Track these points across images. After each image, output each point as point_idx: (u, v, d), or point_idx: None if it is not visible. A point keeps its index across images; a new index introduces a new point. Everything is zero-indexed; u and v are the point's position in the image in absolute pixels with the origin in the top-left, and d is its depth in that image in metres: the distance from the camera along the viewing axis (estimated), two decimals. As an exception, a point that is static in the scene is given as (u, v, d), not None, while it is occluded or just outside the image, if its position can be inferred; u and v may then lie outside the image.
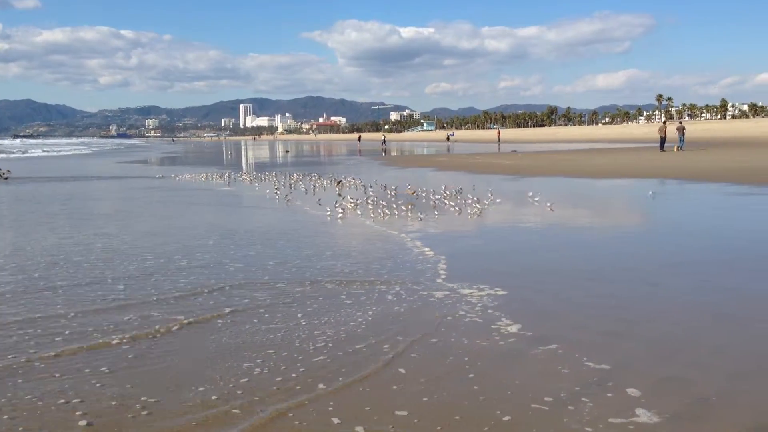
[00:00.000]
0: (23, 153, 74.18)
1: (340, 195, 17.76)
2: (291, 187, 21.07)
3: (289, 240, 11.12)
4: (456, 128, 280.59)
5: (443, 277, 8.10)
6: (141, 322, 6.35)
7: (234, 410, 4.37)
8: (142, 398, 4.56)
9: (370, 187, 20.10)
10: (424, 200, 16.38)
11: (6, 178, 27.46)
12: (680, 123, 44.94)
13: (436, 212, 14.17)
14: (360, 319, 6.37)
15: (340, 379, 4.89)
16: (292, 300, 7.10)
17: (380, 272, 8.40)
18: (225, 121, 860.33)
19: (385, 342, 5.71)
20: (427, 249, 9.94)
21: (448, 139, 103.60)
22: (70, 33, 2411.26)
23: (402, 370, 5.05)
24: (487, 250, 10.18)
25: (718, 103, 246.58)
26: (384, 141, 71.03)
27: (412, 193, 17.51)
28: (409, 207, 14.73)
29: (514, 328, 6.03)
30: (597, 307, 6.76)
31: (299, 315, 6.54)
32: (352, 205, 15.01)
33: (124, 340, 5.80)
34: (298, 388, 4.73)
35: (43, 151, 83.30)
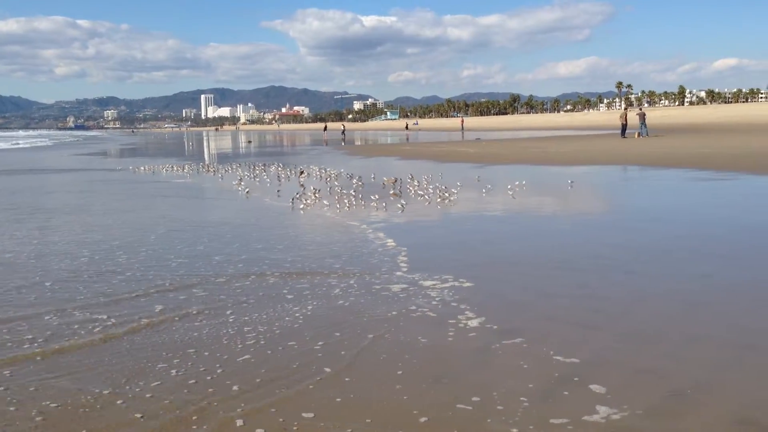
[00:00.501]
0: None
1: (302, 186, 17.38)
2: (254, 179, 20.61)
3: (241, 233, 10.76)
4: (420, 117, 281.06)
5: (404, 269, 7.82)
6: (60, 323, 5.98)
7: (136, 414, 4.09)
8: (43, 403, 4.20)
9: (334, 177, 19.75)
10: (392, 189, 16.09)
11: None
12: (641, 110, 45.39)
13: (402, 201, 13.88)
14: (298, 315, 6.11)
15: (257, 380, 4.61)
16: (227, 297, 6.78)
17: (333, 265, 8.11)
18: (186, 112, 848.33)
19: (319, 339, 5.44)
20: (389, 240, 9.65)
21: (407, 127, 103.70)
22: (25, 23, 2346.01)
23: (327, 369, 4.79)
24: (452, 240, 9.92)
25: (676, 90, 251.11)
26: (343, 131, 70.78)
27: (393, 182, 17.11)
28: (394, 196, 14.57)
29: (475, 322, 5.78)
30: (568, 298, 6.55)
31: (229, 312, 6.24)
32: (314, 195, 14.65)
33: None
34: (210, 390, 4.44)
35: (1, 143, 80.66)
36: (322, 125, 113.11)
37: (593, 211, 13.04)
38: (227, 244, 9.69)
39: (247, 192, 16.46)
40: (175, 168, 26.45)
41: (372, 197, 14.16)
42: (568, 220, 11.73)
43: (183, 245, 9.69)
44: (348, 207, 13.25)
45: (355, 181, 17.91)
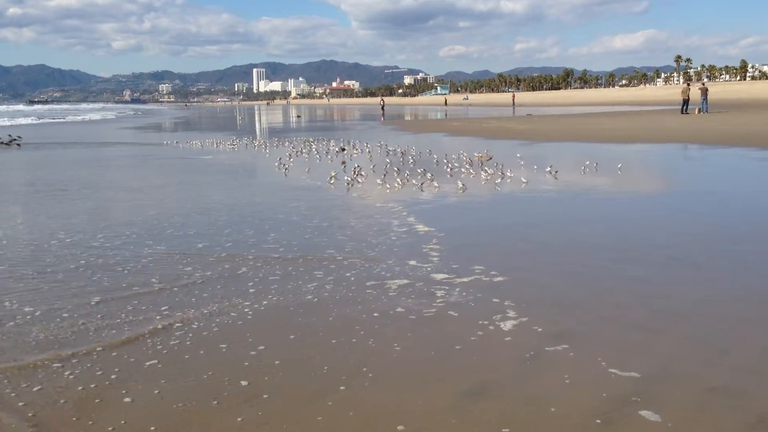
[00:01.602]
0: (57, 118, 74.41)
1: (343, 163, 16.88)
2: (298, 154, 20.22)
3: (248, 214, 10.35)
4: (470, 92, 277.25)
5: (434, 258, 7.27)
6: None
7: None
8: None
9: (380, 153, 19.19)
10: (437, 166, 15.47)
11: (18, 145, 27.30)
12: (703, 84, 43.37)
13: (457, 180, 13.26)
14: (248, 311, 5.65)
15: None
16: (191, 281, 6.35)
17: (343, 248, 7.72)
18: (238, 86, 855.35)
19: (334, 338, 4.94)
20: (421, 225, 9.08)
21: (446, 103, 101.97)
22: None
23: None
24: (494, 225, 9.32)
25: (738, 64, 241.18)
26: (382, 106, 69.20)
27: (489, 159, 16.34)
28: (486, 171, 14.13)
29: (513, 323, 5.22)
30: (627, 295, 5.92)
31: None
32: (355, 174, 14.19)
33: None
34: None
35: (65, 117, 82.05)
36: (374, 100, 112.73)
37: (653, 194, 12.24)
38: (223, 227, 9.25)
39: (286, 170, 16.07)
40: (222, 143, 26.34)
41: (415, 175, 13.62)
42: (626, 203, 10.98)
43: (175, 229, 9.24)
44: (390, 187, 12.71)
45: (404, 158, 17.33)
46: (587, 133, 27.59)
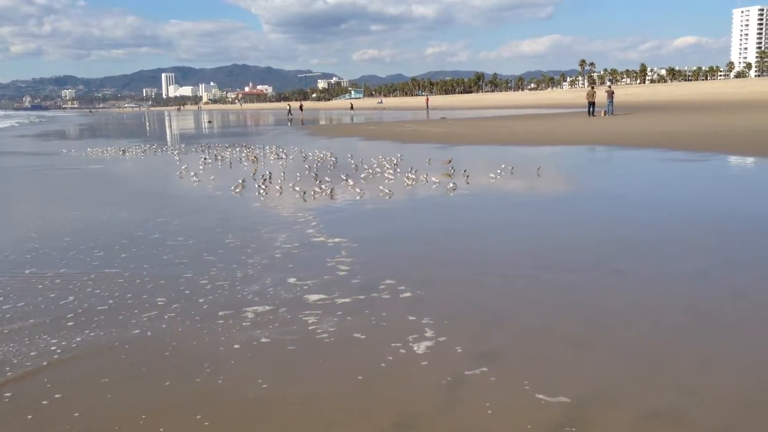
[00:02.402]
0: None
1: (255, 171, 16.16)
2: (204, 162, 19.33)
3: (106, 232, 9.60)
4: (384, 95, 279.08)
5: (343, 267, 6.80)
6: None
7: None
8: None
9: (286, 159, 18.57)
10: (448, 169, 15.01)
11: None
12: (609, 87, 44.77)
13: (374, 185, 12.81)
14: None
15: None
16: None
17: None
18: (147, 91, 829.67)
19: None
20: (328, 236, 8.60)
21: (351, 107, 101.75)
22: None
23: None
24: (412, 233, 8.90)
25: (638, 68, 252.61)
26: (289, 110, 70.96)
27: (448, 162, 15.79)
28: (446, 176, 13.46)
29: (428, 345, 4.78)
30: (552, 306, 5.59)
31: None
32: (263, 181, 13.60)
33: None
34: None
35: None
36: (285, 104, 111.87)
37: (572, 197, 12.11)
38: (66, 248, 8.49)
39: (196, 178, 15.25)
40: (124, 151, 25.04)
41: (324, 180, 13.09)
42: (546, 207, 10.78)
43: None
44: (303, 194, 12.15)
45: (321, 164, 16.78)
46: (501, 136, 27.79)
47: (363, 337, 5.01)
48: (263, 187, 12.94)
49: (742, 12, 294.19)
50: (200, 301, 5.95)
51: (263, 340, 4.99)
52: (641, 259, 7.08)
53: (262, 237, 8.66)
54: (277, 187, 13.13)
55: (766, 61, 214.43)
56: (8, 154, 27.75)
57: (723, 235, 8.20)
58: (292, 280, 6.53)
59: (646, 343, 4.73)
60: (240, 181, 13.56)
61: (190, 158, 21.32)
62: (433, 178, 13.34)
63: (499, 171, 14.09)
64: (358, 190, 12.27)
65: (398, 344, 4.81)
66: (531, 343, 4.76)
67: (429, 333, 5.01)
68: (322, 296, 5.98)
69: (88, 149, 26.62)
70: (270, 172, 14.85)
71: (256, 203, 11.67)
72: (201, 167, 17.56)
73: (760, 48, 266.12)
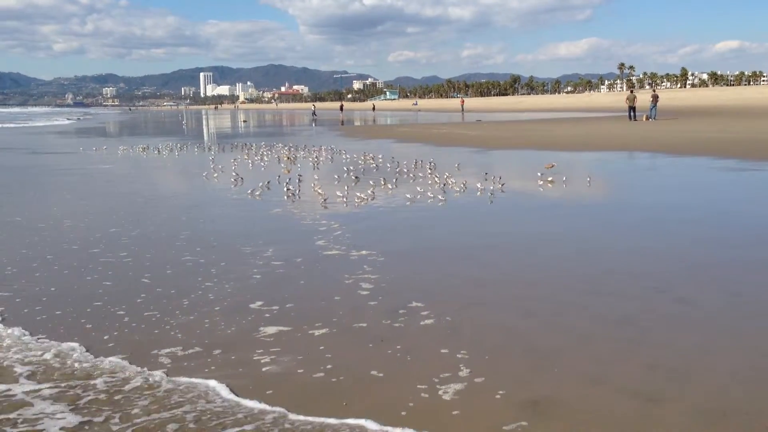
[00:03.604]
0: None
1: (286, 173, 15.55)
2: (233, 162, 18.80)
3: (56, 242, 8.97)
4: (419, 97, 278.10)
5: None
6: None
7: None
8: None
9: (319, 159, 17.92)
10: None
11: None
12: (654, 92, 43.43)
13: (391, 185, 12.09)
14: None
15: None
16: None
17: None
18: (185, 90, 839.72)
19: None
20: (355, 247, 7.88)
21: (373, 108, 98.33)
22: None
23: None
24: (445, 245, 8.15)
25: (678, 72, 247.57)
26: (314, 111, 71.16)
27: (551, 167, 15.04)
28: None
29: (459, 387, 4.04)
30: (607, 342, 4.81)
31: None
32: (289, 184, 12.95)
33: None
34: None
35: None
36: (322, 105, 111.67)
37: (622, 209, 11.17)
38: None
39: (215, 176, 14.71)
40: (143, 149, 24.73)
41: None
42: (594, 221, 9.94)
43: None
44: (330, 198, 11.47)
45: (355, 166, 16.11)
46: (539, 139, 26.82)
47: (381, 375, 4.29)
48: (290, 188, 12.33)
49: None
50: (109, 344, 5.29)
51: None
52: (708, 285, 6.23)
53: (306, 241, 8.01)
54: (307, 190, 12.50)
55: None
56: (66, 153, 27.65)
57: (797, 258, 7.28)
58: (290, 305, 5.84)
59: (727, 397, 3.92)
60: (261, 184, 12.96)
61: (224, 157, 20.82)
62: (478, 185, 12.51)
63: (539, 177, 13.28)
64: (389, 194, 11.57)
65: (424, 386, 4.08)
66: (584, 391, 3.99)
67: (463, 372, 4.27)
68: (328, 323, 5.28)
69: (121, 147, 26.31)
70: (300, 175, 14.24)
71: (277, 209, 10.97)
72: (233, 168, 16.98)
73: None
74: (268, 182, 13.23)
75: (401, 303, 5.73)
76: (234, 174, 15.15)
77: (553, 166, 14.93)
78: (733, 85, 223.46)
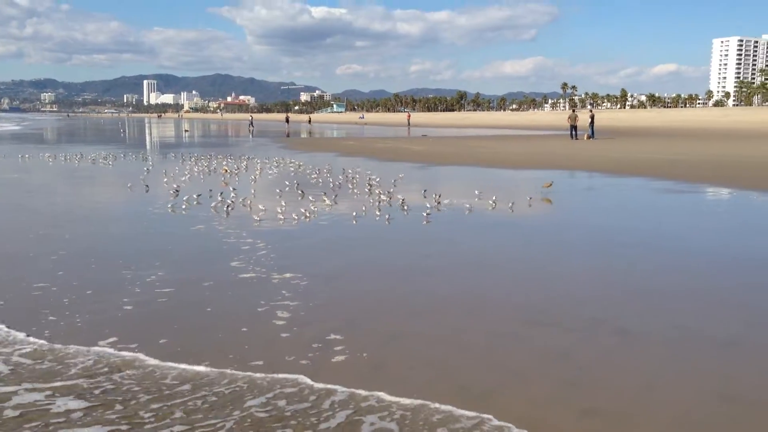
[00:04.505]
0: None
1: (226, 183, 14.86)
2: (164, 174, 17.99)
3: None
4: (366, 110, 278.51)
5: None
6: None
7: None
8: None
9: (259, 172, 17.25)
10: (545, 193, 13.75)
11: None
12: (591, 111, 44.07)
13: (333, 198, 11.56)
14: None
15: None
16: None
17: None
18: (127, 97, 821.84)
19: None
20: (275, 270, 7.33)
21: (309, 121, 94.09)
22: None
23: None
24: (376, 268, 7.68)
25: (618, 93, 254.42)
26: (251, 122, 70.30)
27: (549, 186, 14.83)
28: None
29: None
30: (545, 382, 4.39)
31: None
32: (224, 199, 12.25)
33: None
34: None
35: None
36: (268, 116, 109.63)
37: (562, 232, 10.91)
38: None
39: (134, 186, 13.92)
40: (65, 158, 23.61)
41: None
42: (533, 244, 9.60)
43: None
44: (262, 213, 10.87)
45: (295, 179, 15.50)
46: (483, 156, 26.72)
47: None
48: (222, 201, 11.70)
49: (722, 42, 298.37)
50: None
51: None
52: (648, 314, 5.90)
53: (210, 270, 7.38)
54: (241, 205, 11.89)
55: (744, 91, 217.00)
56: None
57: (744, 285, 7.03)
58: (166, 340, 5.26)
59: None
60: (186, 198, 12.33)
61: (160, 168, 19.97)
62: (422, 202, 12.10)
63: (477, 195, 12.98)
64: (327, 210, 11.05)
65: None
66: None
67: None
68: (219, 359, 4.72)
69: (51, 155, 25.11)
70: (234, 189, 13.59)
71: (200, 225, 10.33)
72: (164, 180, 16.21)
73: (738, 78, 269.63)
74: (198, 195, 12.57)
75: (318, 335, 5.22)
76: (167, 185, 14.42)
77: (550, 184, 14.84)
78: (670, 106, 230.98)
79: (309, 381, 4.35)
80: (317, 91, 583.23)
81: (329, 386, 4.27)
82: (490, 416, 3.88)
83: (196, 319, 5.65)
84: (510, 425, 3.77)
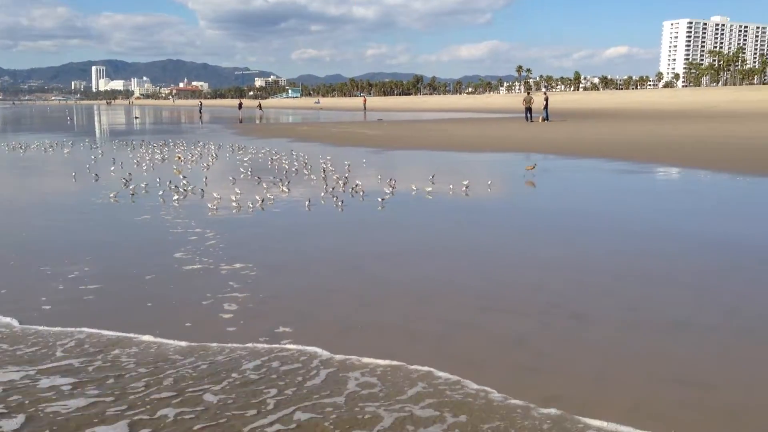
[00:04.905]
0: None
1: (179, 171, 14.45)
2: (116, 162, 17.44)
3: None
4: (322, 95, 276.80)
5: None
6: None
7: None
8: None
9: (211, 159, 16.83)
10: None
11: None
12: (545, 94, 44.34)
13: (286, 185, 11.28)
14: None
15: None
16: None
17: None
18: (76, 84, 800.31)
19: None
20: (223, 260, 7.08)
21: (259, 107, 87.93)
22: None
23: None
24: (323, 258, 7.48)
25: (572, 76, 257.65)
26: (200, 108, 68.96)
27: (532, 168, 14.94)
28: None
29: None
30: (503, 369, 4.25)
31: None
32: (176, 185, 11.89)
33: None
34: None
35: None
36: (222, 102, 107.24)
37: (518, 215, 10.86)
38: None
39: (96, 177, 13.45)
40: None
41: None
42: (489, 227, 9.51)
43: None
44: (217, 200, 10.56)
45: (247, 165, 15.11)
46: (439, 140, 26.64)
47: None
48: (172, 189, 11.33)
49: (672, 24, 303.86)
50: None
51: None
52: (603, 299, 5.82)
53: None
54: (193, 194, 11.54)
55: (693, 73, 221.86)
56: None
57: (697, 269, 7.03)
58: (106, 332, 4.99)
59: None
60: (133, 186, 11.95)
61: (108, 156, 19.36)
62: (376, 188, 11.90)
63: (431, 179, 12.84)
64: (282, 197, 10.77)
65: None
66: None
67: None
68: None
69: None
70: (185, 177, 13.20)
71: (146, 215, 9.94)
72: (112, 169, 15.69)
73: (687, 60, 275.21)
74: (145, 185, 12.14)
75: (266, 329, 4.99)
76: (114, 174, 13.92)
77: (534, 167, 14.93)
78: (622, 88, 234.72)
79: (256, 378, 4.14)
80: (272, 77, 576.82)
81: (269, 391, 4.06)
82: (448, 411, 3.72)
83: (130, 315, 5.35)
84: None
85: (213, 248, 7.58)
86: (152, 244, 8.03)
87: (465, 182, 12.22)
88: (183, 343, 4.68)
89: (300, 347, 4.61)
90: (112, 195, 11.43)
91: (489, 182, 12.94)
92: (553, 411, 3.68)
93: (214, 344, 4.67)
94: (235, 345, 4.66)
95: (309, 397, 3.84)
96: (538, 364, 4.40)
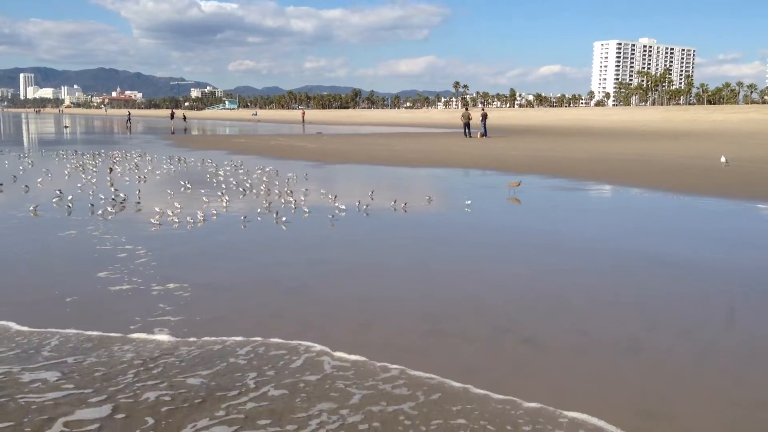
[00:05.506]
0: None
1: (111, 183, 13.83)
2: (47, 173, 16.62)
3: None
4: (260, 107, 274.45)
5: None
6: None
7: None
8: None
9: (145, 170, 16.22)
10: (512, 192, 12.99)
11: None
12: (483, 110, 44.95)
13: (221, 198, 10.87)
14: None
15: None
16: None
17: None
18: (2, 92, 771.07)
19: None
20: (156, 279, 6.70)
21: (184, 118, 79.76)
22: None
23: None
24: (262, 277, 7.17)
25: (507, 93, 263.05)
26: (128, 118, 66.30)
27: (517, 185, 14.47)
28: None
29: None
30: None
31: None
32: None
33: None
34: None
35: None
36: (156, 112, 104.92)
37: (462, 232, 10.75)
38: None
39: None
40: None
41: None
42: (434, 244, 9.35)
43: None
44: (155, 214, 10.08)
45: (181, 178, 14.58)
46: (378, 154, 26.50)
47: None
48: (103, 202, 10.77)
49: (602, 45, 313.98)
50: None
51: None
52: (553, 320, 5.71)
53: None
54: (127, 207, 10.99)
55: (623, 92, 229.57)
56: None
57: (640, 286, 7.02)
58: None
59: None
60: (56, 199, 11.35)
61: (37, 167, 18.45)
62: (319, 203, 11.61)
63: (371, 194, 12.66)
64: (223, 211, 10.37)
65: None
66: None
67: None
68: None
69: None
70: (117, 189, 12.61)
71: (71, 230, 9.39)
72: (39, 181, 14.92)
73: (617, 79, 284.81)
74: (70, 198, 11.52)
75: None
76: (41, 186, 13.20)
77: (519, 183, 14.70)
78: (556, 106, 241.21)
79: (189, 412, 3.82)
80: (208, 87, 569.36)
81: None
82: (394, 445, 3.50)
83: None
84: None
85: (144, 266, 7.16)
86: (76, 262, 7.53)
87: (409, 201, 12.09)
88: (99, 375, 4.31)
89: (238, 377, 4.30)
90: (32, 208, 10.78)
91: (428, 197, 12.84)
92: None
93: (144, 374, 4.31)
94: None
95: (247, 434, 3.55)
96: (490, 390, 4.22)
